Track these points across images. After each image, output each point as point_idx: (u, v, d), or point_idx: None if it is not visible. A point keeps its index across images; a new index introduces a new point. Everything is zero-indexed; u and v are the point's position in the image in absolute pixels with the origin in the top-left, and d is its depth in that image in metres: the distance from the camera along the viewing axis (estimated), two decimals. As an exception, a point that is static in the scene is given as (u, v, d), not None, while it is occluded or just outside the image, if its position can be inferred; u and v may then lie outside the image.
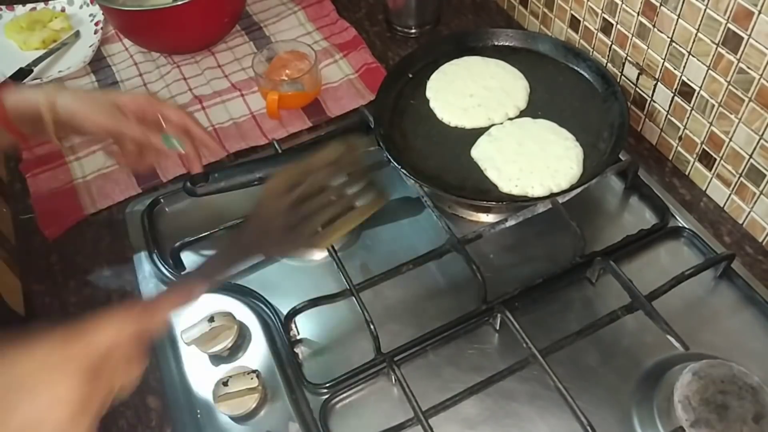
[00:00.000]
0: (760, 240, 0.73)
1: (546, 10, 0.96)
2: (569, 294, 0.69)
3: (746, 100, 0.67)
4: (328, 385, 0.63)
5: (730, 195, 0.75)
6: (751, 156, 0.70)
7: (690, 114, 0.76)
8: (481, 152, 0.77)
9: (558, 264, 0.70)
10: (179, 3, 0.92)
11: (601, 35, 0.86)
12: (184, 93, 0.98)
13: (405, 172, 0.73)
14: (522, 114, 0.81)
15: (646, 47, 0.79)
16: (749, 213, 0.73)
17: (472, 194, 0.73)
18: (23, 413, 0.36)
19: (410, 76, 0.87)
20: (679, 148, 0.80)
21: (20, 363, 0.37)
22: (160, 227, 0.79)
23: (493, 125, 0.80)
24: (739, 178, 0.73)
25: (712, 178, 0.77)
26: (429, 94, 0.85)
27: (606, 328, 0.64)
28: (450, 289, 0.71)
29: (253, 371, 0.62)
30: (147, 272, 0.75)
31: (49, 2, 1.14)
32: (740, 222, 0.75)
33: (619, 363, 0.64)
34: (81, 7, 1.14)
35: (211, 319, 0.65)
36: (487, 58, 0.88)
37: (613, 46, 0.85)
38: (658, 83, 0.79)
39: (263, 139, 0.90)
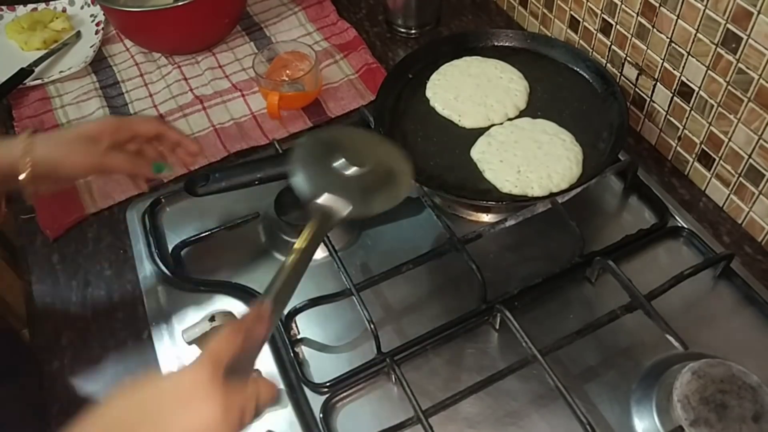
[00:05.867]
0: (759, 240, 0.73)
1: (545, 11, 0.96)
2: (569, 294, 0.70)
3: (745, 100, 0.68)
4: (328, 384, 0.63)
5: (729, 195, 0.75)
6: (750, 156, 0.70)
7: (689, 114, 0.76)
8: (480, 152, 0.77)
9: (557, 264, 0.70)
10: (180, 3, 0.93)
11: (600, 36, 0.86)
12: (184, 93, 0.98)
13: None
14: (522, 114, 0.81)
15: (645, 48, 0.79)
16: (748, 213, 0.73)
17: (471, 194, 0.73)
18: (176, 421, 0.40)
19: (410, 76, 0.88)
20: (678, 148, 0.80)
21: (159, 384, 0.43)
22: (160, 227, 0.80)
23: (492, 125, 0.80)
24: (738, 178, 0.73)
25: (711, 178, 0.77)
26: (429, 94, 0.85)
27: (605, 327, 0.64)
28: (450, 289, 0.72)
29: (254, 370, 0.62)
30: (148, 271, 0.75)
31: (50, 3, 1.14)
32: (739, 222, 0.75)
33: (619, 362, 0.64)
34: (82, 7, 1.14)
35: (212, 319, 0.65)
36: (486, 59, 0.88)
37: (613, 46, 0.85)
38: (658, 83, 0.79)
39: (264, 139, 0.90)
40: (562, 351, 0.63)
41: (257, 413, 0.45)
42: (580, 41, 0.91)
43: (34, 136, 0.61)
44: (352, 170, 0.55)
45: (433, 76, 0.87)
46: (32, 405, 0.67)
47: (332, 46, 1.03)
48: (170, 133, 0.68)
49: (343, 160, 0.55)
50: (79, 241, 0.80)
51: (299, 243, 0.51)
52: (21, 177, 0.59)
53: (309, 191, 0.54)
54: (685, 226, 0.73)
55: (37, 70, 1.02)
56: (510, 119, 0.80)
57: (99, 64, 1.04)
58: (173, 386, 0.42)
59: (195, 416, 0.41)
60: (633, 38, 0.80)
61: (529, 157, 0.75)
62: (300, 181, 0.55)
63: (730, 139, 0.72)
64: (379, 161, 0.58)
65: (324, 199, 0.53)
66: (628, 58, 0.83)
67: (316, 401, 0.63)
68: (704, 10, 0.68)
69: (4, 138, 0.63)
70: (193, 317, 0.67)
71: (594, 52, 0.89)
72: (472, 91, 0.83)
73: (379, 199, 0.56)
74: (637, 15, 0.78)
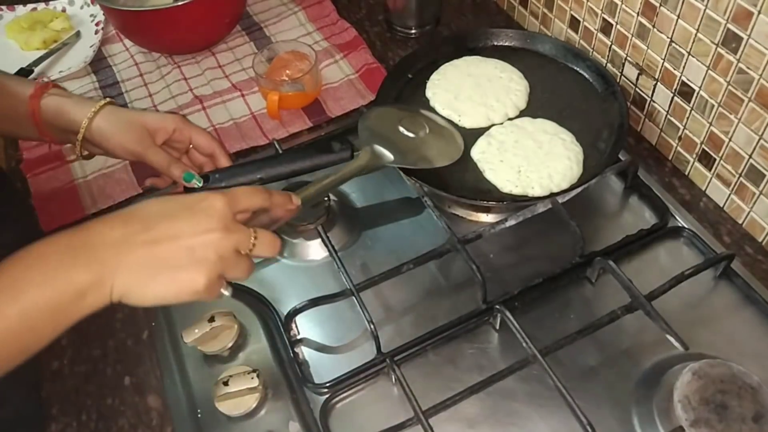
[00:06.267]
0: (760, 240, 0.73)
1: (546, 11, 0.96)
2: (569, 294, 0.70)
3: (746, 100, 0.67)
4: (328, 384, 0.63)
5: (729, 195, 0.75)
6: (750, 156, 0.70)
7: (690, 114, 0.76)
8: (480, 152, 0.77)
9: (558, 264, 0.70)
10: (180, 3, 0.92)
11: (600, 35, 0.86)
12: (184, 93, 0.98)
13: (405, 172, 0.73)
14: (522, 114, 0.81)
15: (645, 47, 0.79)
16: (749, 213, 0.73)
17: (472, 194, 0.73)
18: (183, 227, 0.49)
19: (410, 76, 0.87)
20: (678, 148, 0.80)
21: (181, 198, 0.51)
22: (160, 227, 0.80)
23: (492, 125, 0.80)
24: (738, 178, 0.73)
25: (711, 178, 0.77)
26: (429, 94, 0.85)
27: (606, 327, 0.64)
28: (450, 289, 0.71)
29: (254, 371, 0.62)
30: (147, 272, 0.75)
31: (50, 2, 1.14)
32: (740, 222, 0.75)
33: (619, 363, 0.64)
34: (82, 7, 1.14)
35: (212, 319, 0.65)
36: (486, 58, 0.88)
37: (613, 46, 0.85)
38: (658, 83, 0.79)
39: (264, 139, 0.90)
40: (563, 351, 0.63)
41: (254, 254, 0.53)
42: (581, 41, 0.91)
43: (106, 106, 0.68)
44: (407, 134, 0.74)
45: (433, 76, 0.87)
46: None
47: (332, 45, 1.03)
48: (222, 158, 0.72)
49: (402, 127, 0.75)
50: (79, 241, 0.80)
51: (342, 167, 0.67)
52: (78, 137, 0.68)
53: (368, 139, 0.72)
54: (686, 226, 0.73)
55: (36, 69, 1.02)
56: (510, 119, 0.80)
57: (99, 63, 1.04)
58: (191, 202, 0.51)
59: (201, 226, 0.49)
60: (633, 38, 0.80)
61: (530, 157, 0.74)
62: (364, 131, 0.73)
63: (730, 139, 0.72)
64: (430, 133, 0.76)
65: (375, 147, 0.70)
66: (628, 58, 0.83)
67: (315, 402, 0.63)
68: (705, 10, 0.68)
69: (87, 98, 0.72)
70: (192, 317, 0.67)
71: (594, 52, 0.89)
72: (472, 91, 0.83)
73: (420, 161, 0.73)
74: (638, 15, 0.78)
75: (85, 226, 0.48)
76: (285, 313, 0.67)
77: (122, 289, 0.48)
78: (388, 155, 0.70)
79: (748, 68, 0.66)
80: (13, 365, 0.47)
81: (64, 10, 1.13)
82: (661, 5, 0.74)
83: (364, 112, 0.79)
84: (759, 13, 0.62)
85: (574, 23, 0.91)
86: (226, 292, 0.52)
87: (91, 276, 0.46)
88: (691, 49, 0.72)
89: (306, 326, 0.69)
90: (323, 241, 0.71)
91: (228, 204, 0.51)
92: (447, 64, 0.88)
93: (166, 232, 0.48)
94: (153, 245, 0.48)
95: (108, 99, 0.70)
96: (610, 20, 0.83)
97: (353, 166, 0.67)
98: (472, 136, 0.79)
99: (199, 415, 0.63)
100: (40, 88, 0.68)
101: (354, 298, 0.66)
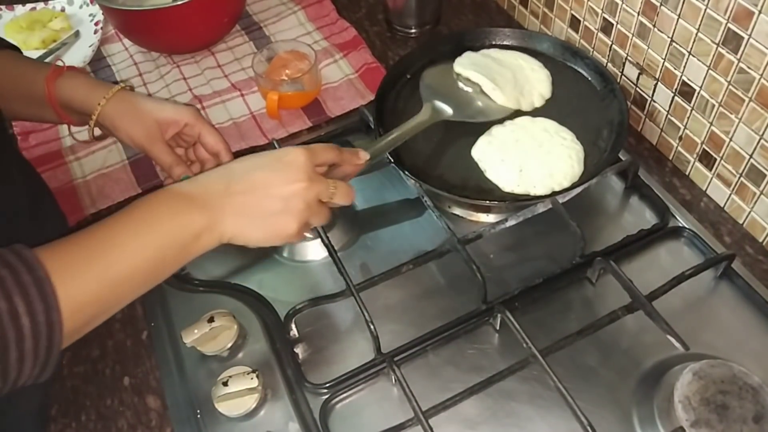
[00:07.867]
0: (761, 240, 0.73)
1: (546, 10, 0.96)
2: (569, 294, 0.69)
3: (746, 99, 0.67)
4: (328, 385, 0.63)
5: (730, 195, 0.75)
6: (751, 156, 0.70)
7: (690, 114, 0.76)
8: (481, 152, 0.76)
9: (558, 264, 0.70)
10: (179, 3, 0.92)
11: (601, 35, 0.86)
12: (183, 93, 0.98)
13: (405, 172, 0.73)
14: (520, 113, 0.81)
15: (646, 47, 0.79)
16: (749, 213, 0.73)
17: (473, 194, 0.73)
18: (274, 178, 0.55)
19: (408, 76, 0.87)
20: (679, 148, 0.80)
21: (269, 153, 0.58)
22: (159, 227, 0.79)
23: (492, 126, 0.79)
24: (739, 178, 0.73)
25: (712, 178, 0.77)
26: (428, 93, 0.85)
27: (606, 328, 0.64)
28: (450, 289, 0.71)
29: (253, 371, 0.62)
30: (147, 272, 0.74)
31: (49, 2, 1.14)
32: (740, 222, 0.75)
33: (620, 363, 0.64)
34: (81, 6, 1.14)
35: (211, 320, 0.65)
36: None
37: (614, 46, 0.85)
38: (659, 83, 0.79)
39: (263, 139, 0.90)
40: (563, 351, 0.62)
41: (333, 202, 0.59)
42: (581, 41, 0.91)
43: (121, 91, 0.69)
44: (465, 89, 0.81)
45: (433, 76, 0.86)
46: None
47: (332, 45, 1.03)
48: (225, 159, 0.73)
49: (459, 82, 0.81)
50: (78, 242, 0.80)
51: (406, 123, 0.72)
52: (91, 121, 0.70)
53: (429, 95, 0.79)
54: (686, 226, 0.73)
55: (35, 69, 1.01)
56: (509, 118, 0.80)
57: (98, 63, 1.04)
58: (278, 155, 0.57)
59: (289, 177, 0.55)
60: (634, 38, 0.80)
61: (531, 156, 0.74)
62: (425, 89, 0.80)
63: (731, 139, 0.71)
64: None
65: (435, 103, 0.77)
66: (629, 58, 0.83)
67: (315, 402, 0.63)
68: (705, 10, 0.68)
69: (102, 82, 0.72)
70: (192, 318, 0.66)
71: (595, 52, 0.89)
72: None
73: (477, 114, 0.79)
74: (638, 14, 0.78)
75: (190, 180, 0.55)
76: (284, 314, 0.67)
77: (230, 233, 0.54)
78: (448, 110, 0.76)
79: (749, 68, 0.65)
80: (138, 296, 0.51)
81: (63, 10, 1.13)
82: (661, 5, 0.73)
83: (425, 71, 0.84)
84: (760, 12, 0.62)
85: (574, 23, 0.91)
86: (310, 236, 0.62)
87: (205, 220, 0.52)
88: (691, 48, 0.72)
89: (305, 326, 0.68)
90: (323, 241, 0.71)
91: (309, 158, 0.56)
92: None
93: (260, 182, 0.55)
94: (249, 194, 0.54)
95: (122, 85, 0.70)
96: (611, 20, 0.83)
97: (417, 121, 0.73)
98: (472, 135, 0.79)
99: (199, 416, 0.63)
100: (54, 72, 0.68)
101: (354, 298, 0.65)
